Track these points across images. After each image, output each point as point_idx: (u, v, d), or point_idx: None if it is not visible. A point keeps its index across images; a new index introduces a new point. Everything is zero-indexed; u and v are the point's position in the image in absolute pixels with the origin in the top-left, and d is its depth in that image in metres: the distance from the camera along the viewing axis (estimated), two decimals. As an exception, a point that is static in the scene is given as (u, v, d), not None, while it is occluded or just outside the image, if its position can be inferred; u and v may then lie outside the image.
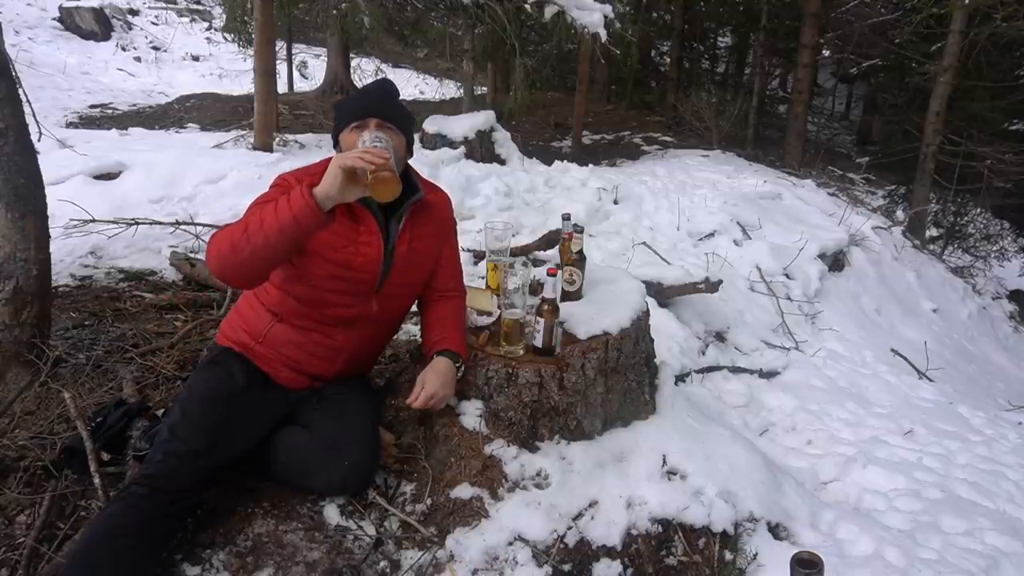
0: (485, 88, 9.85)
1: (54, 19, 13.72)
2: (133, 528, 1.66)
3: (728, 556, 2.19)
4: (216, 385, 1.97)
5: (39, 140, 3.28)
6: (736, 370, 4.06)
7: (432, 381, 2.01)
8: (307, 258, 1.94)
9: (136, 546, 1.67)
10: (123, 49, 13.92)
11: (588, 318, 2.29)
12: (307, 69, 15.19)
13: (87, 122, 8.98)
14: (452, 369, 2.07)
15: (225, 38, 14.15)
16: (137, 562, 1.68)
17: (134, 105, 10.45)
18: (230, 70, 13.97)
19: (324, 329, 2.04)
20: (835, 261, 5.98)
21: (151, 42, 14.66)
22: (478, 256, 4.42)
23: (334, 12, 7.03)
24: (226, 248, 1.76)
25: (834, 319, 5.20)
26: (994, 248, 9.90)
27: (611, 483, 2.19)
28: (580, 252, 2.43)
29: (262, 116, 6.15)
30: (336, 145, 2.05)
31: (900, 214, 9.59)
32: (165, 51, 14.57)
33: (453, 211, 2.27)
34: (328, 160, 2.02)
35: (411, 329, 3.20)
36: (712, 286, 4.33)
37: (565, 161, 7.01)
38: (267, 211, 1.74)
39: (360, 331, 2.08)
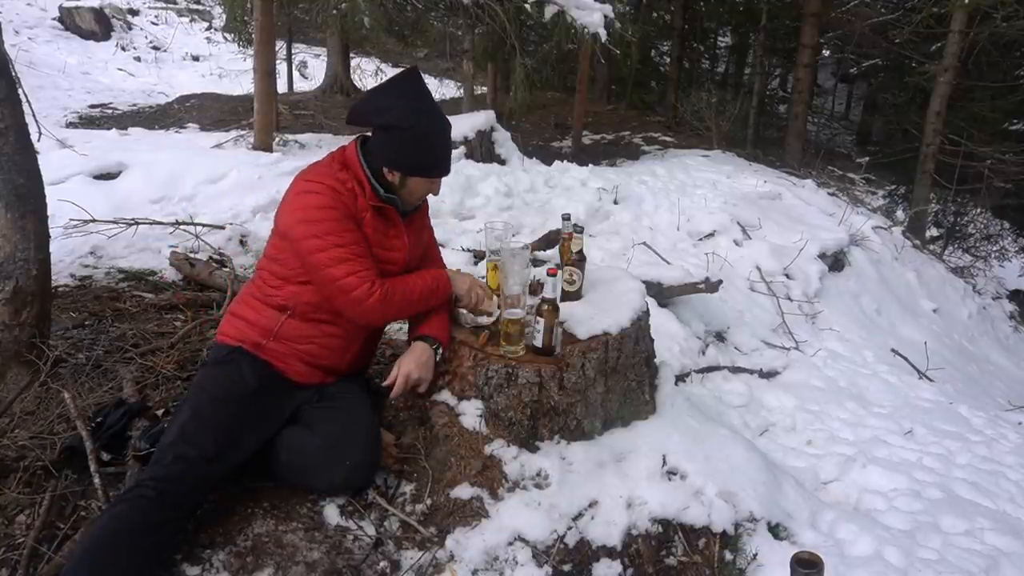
0: (485, 88, 9.83)
1: (54, 19, 13.72)
2: (138, 530, 1.66)
3: (728, 556, 2.19)
4: (229, 387, 1.98)
5: (39, 140, 3.28)
6: (736, 370, 4.06)
7: (406, 363, 2.12)
8: None
9: (142, 548, 1.67)
10: (123, 49, 13.92)
11: (588, 318, 2.29)
12: (307, 69, 15.19)
13: (87, 122, 8.98)
14: (428, 352, 2.17)
15: (225, 38, 14.18)
16: (141, 564, 1.68)
17: (134, 105, 10.45)
18: (230, 70, 13.96)
19: (337, 320, 2.08)
20: (835, 261, 5.97)
21: (151, 42, 14.67)
22: (478, 256, 4.42)
23: (334, 12, 7.02)
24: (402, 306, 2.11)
25: (834, 319, 5.19)
26: (994, 248, 9.92)
27: (611, 483, 2.19)
28: (580, 252, 2.43)
29: (262, 116, 6.15)
30: (397, 173, 2.06)
31: (900, 214, 9.59)
32: (165, 51, 14.57)
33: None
34: (336, 161, 2.08)
35: (411, 329, 3.20)
36: (712, 286, 4.33)
37: (565, 161, 7.00)
38: (423, 293, 2.16)
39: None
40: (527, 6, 6.61)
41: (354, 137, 2.14)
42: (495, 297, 2.41)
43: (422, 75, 2.10)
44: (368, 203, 2.04)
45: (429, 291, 2.14)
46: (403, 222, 2.17)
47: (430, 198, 2.26)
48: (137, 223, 4.10)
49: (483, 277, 2.62)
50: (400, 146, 2.02)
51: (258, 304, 2.09)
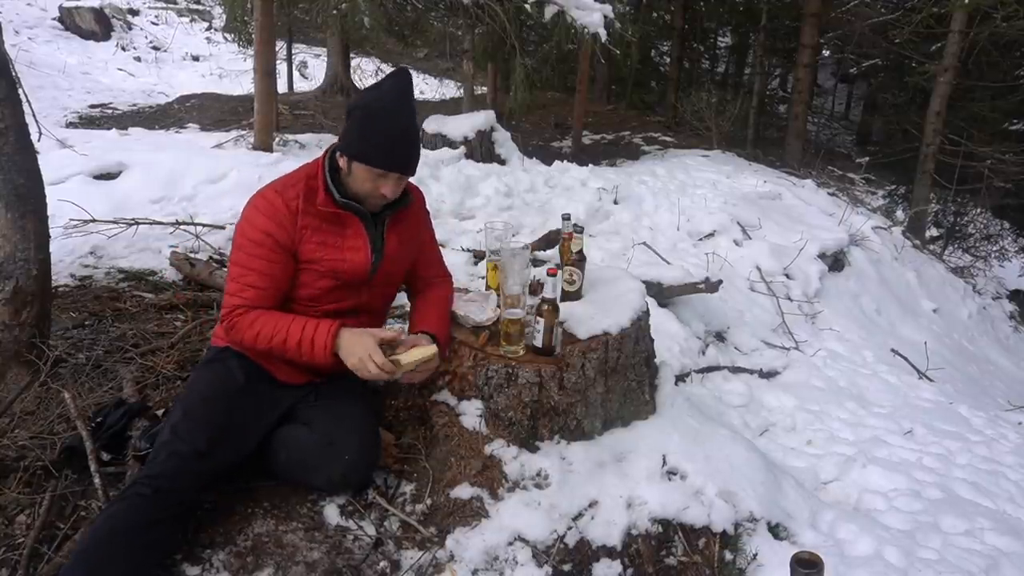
0: (485, 88, 9.83)
1: (54, 19, 13.71)
2: (135, 529, 1.66)
3: (728, 556, 2.19)
4: (217, 384, 1.99)
5: (39, 140, 3.27)
6: (736, 370, 4.06)
7: (421, 348, 2.05)
8: (298, 268, 2.00)
9: (138, 547, 1.67)
10: (123, 49, 13.91)
11: (588, 318, 2.29)
12: (307, 69, 15.17)
13: (87, 122, 8.98)
14: (433, 345, 2.12)
15: (225, 38, 14.16)
16: (139, 563, 1.68)
17: (134, 105, 10.44)
18: (230, 70, 13.95)
19: None
20: (835, 261, 5.97)
21: (151, 42, 14.66)
22: (478, 256, 4.42)
23: (334, 12, 7.02)
24: (260, 347, 1.96)
25: (834, 319, 5.19)
26: (994, 248, 9.92)
27: (611, 483, 2.19)
28: (580, 252, 2.43)
29: (262, 116, 6.14)
30: (344, 157, 1.96)
31: (900, 214, 9.59)
32: (165, 51, 14.56)
33: (426, 202, 2.33)
34: (306, 168, 2.03)
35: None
36: (712, 286, 4.33)
37: (565, 161, 7.00)
38: (291, 343, 1.93)
39: (351, 321, 2.10)
40: (527, 6, 6.61)
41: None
42: (494, 296, 2.41)
43: (411, 75, 2.01)
44: (320, 208, 1.95)
45: (294, 345, 1.92)
46: (368, 226, 2.05)
47: (429, 199, 2.25)
48: (137, 223, 4.11)
49: (483, 277, 2.63)
50: (351, 126, 1.94)
51: None
